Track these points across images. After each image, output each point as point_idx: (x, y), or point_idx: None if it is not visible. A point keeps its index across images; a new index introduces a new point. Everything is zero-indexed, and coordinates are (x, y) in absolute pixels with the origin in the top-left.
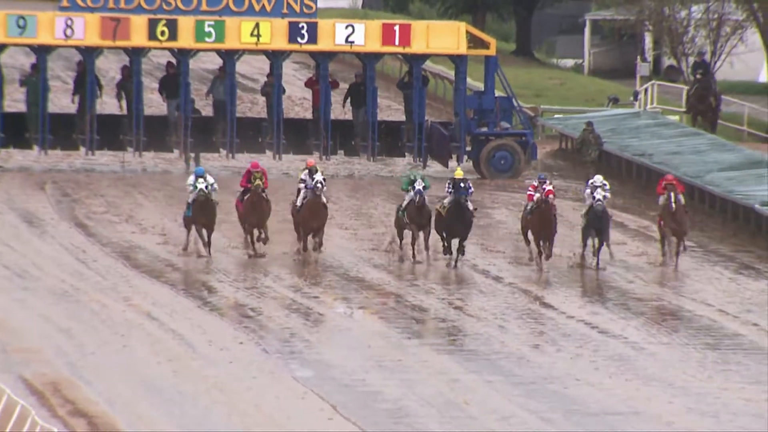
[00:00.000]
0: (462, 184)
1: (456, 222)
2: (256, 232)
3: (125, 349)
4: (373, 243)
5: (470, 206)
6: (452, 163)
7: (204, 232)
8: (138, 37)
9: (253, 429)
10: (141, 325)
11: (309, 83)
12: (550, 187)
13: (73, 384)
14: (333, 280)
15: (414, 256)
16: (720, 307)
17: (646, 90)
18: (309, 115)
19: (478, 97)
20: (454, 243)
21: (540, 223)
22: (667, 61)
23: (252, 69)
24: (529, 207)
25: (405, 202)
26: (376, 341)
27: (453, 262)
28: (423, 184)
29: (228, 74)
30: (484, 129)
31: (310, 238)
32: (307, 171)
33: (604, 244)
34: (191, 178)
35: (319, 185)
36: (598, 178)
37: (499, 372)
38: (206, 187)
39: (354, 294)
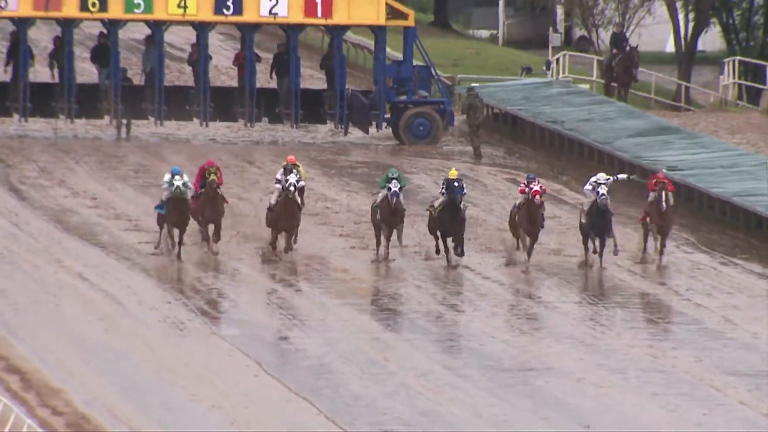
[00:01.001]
0: (456, 184)
1: (449, 221)
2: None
3: (57, 309)
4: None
5: (465, 205)
6: (372, 129)
7: (175, 231)
8: (69, 9)
9: (181, 384)
10: (73, 286)
11: (236, 59)
12: (537, 188)
13: (7, 341)
14: (259, 245)
15: (387, 255)
16: (629, 268)
17: (558, 60)
18: (235, 84)
19: (397, 67)
20: (449, 243)
21: (528, 219)
22: (579, 32)
23: (180, 39)
24: (518, 203)
25: (379, 199)
26: (300, 301)
27: (447, 262)
28: (399, 185)
29: (156, 44)
30: (403, 97)
31: (280, 236)
32: (282, 170)
33: (606, 241)
34: (167, 176)
35: (291, 188)
36: (602, 176)
37: (418, 330)
38: (183, 184)
39: (277, 257)
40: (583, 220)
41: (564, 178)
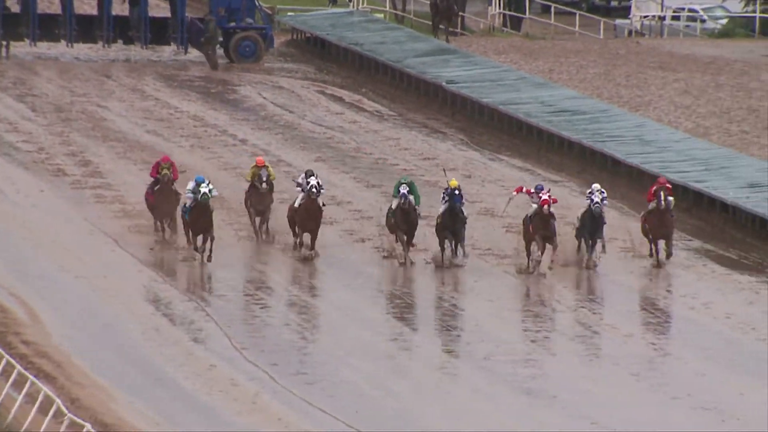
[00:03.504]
0: (457, 192)
1: (450, 226)
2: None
3: None
4: (148, 113)
5: (464, 212)
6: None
7: (199, 237)
8: None
9: (52, 258)
10: None
11: None
12: (546, 196)
13: None
14: (116, 139)
15: (406, 259)
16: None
17: None
18: (95, 12)
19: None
20: (451, 244)
21: (542, 228)
22: None
23: None
24: (529, 214)
25: (394, 206)
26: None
27: (449, 262)
28: (408, 189)
29: None
30: (233, 24)
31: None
32: (303, 175)
33: (597, 242)
34: (191, 184)
35: (314, 190)
36: (596, 186)
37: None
38: (209, 191)
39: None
40: (577, 224)
41: (363, 90)
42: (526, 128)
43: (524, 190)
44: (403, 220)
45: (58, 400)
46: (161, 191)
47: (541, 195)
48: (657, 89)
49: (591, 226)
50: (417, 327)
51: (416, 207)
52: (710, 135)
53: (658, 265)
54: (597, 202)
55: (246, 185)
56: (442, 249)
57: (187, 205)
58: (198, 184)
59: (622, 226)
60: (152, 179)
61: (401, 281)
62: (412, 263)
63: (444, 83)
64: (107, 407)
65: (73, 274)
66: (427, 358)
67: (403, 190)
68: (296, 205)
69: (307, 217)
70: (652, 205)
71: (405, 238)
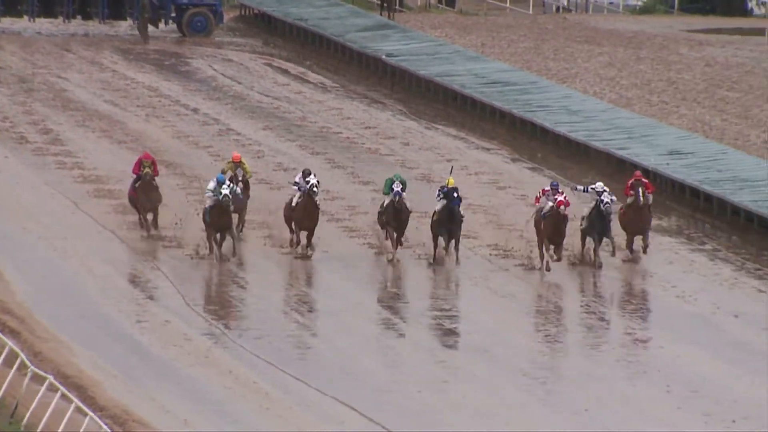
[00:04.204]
0: (455, 195)
1: (447, 224)
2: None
3: None
4: (106, 84)
5: (461, 212)
6: (161, 24)
7: (219, 235)
8: None
9: (17, 219)
10: None
11: None
12: (561, 198)
13: None
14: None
15: (393, 257)
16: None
17: None
18: None
19: None
20: (451, 243)
21: (553, 229)
22: None
23: None
24: (543, 212)
25: (386, 203)
26: (102, 157)
27: (455, 259)
28: (401, 186)
29: None
30: (185, 0)
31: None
32: (300, 174)
33: (603, 241)
34: (211, 184)
35: (314, 189)
36: (600, 185)
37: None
38: (230, 192)
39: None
40: (584, 224)
41: (307, 63)
42: (461, 99)
43: (541, 191)
44: (394, 218)
45: (22, 354)
46: (142, 187)
47: (557, 196)
48: (583, 62)
49: (600, 225)
50: (364, 285)
51: (407, 203)
52: (632, 105)
53: (631, 259)
54: (607, 202)
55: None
56: (435, 245)
57: (207, 205)
58: (219, 185)
59: None
60: (134, 176)
61: (343, 239)
62: (398, 261)
63: (383, 56)
64: (68, 360)
65: (35, 236)
66: (370, 315)
67: (396, 187)
68: (293, 203)
69: (305, 215)
70: (630, 199)
71: (395, 235)
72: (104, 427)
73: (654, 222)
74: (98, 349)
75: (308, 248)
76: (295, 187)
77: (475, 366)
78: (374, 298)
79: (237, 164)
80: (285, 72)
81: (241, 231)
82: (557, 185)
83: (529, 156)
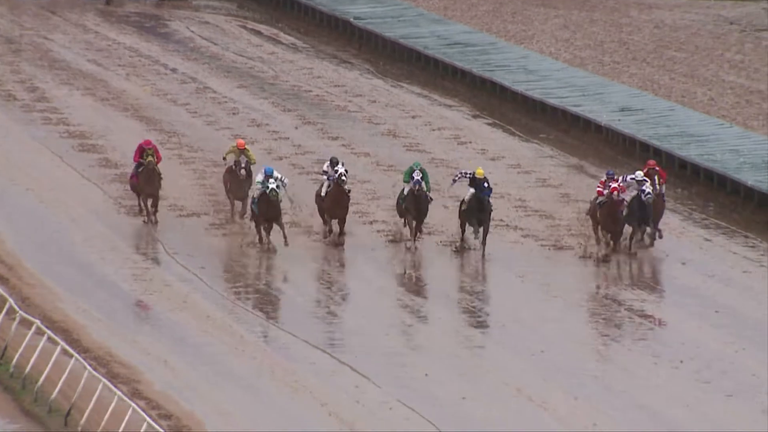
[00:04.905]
0: (486, 185)
1: (477, 214)
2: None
3: None
4: (89, 44)
5: (491, 202)
6: None
7: (267, 225)
8: None
9: (5, 172)
10: None
11: None
12: (615, 185)
13: None
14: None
15: (414, 242)
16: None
17: None
18: None
19: None
20: (480, 231)
21: (609, 217)
22: None
23: None
24: (599, 200)
25: (405, 192)
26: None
27: (481, 248)
28: (421, 175)
29: None
30: None
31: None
32: (328, 163)
33: (647, 229)
34: (260, 176)
35: (343, 177)
36: (639, 174)
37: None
38: (277, 186)
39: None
40: (625, 212)
41: (280, 25)
42: (424, 59)
43: (600, 183)
44: (413, 206)
45: (10, 299)
46: (144, 173)
47: (611, 184)
48: (539, 24)
49: (640, 213)
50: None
51: (428, 193)
52: (586, 65)
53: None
54: (649, 192)
55: (221, 164)
56: (463, 231)
57: (254, 196)
58: (267, 177)
59: (511, 147)
60: (136, 163)
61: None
62: (416, 249)
63: (352, 19)
64: (54, 305)
65: (23, 188)
66: (330, 259)
67: (416, 176)
68: (323, 193)
69: (336, 204)
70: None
71: (414, 223)
72: (89, 368)
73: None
74: (83, 295)
75: (341, 236)
76: (324, 176)
77: (438, 311)
78: (334, 256)
79: (241, 151)
80: (258, 33)
81: (243, 215)
82: (612, 173)
83: (489, 112)
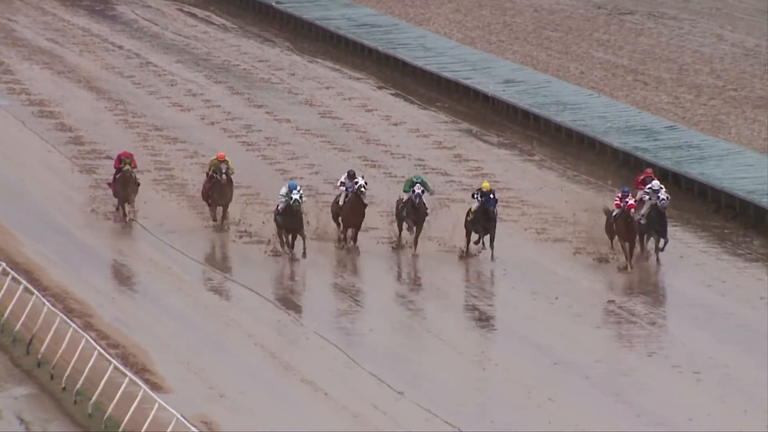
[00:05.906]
0: (492, 196)
1: (483, 223)
2: (128, 206)
3: None
4: (47, 25)
5: (496, 212)
6: None
7: (290, 236)
8: None
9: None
10: None
11: None
12: (632, 201)
13: None
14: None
15: (415, 247)
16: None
17: None
18: None
19: None
20: (486, 239)
21: (625, 228)
22: None
23: None
24: (614, 214)
25: (405, 199)
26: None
27: (491, 254)
28: (422, 189)
29: None
30: None
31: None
32: (346, 175)
33: (662, 240)
34: (284, 189)
35: (363, 189)
36: (656, 183)
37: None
38: (300, 197)
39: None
40: (642, 221)
41: (211, 8)
42: (336, 38)
43: (617, 197)
44: (413, 212)
45: None
46: (121, 179)
47: (627, 200)
48: (435, 8)
49: (659, 222)
50: (273, 205)
51: (427, 196)
52: (475, 44)
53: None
54: (663, 199)
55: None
56: (469, 241)
57: (279, 208)
58: (290, 190)
59: (412, 114)
60: (115, 170)
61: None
62: (416, 255)
63: (274, 3)
64: (18, 250)
65: None
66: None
67: (417, 189)
68: (341, 202)
69: (353, 213)
70: (640, 194)
71: (414, 228)
72: (47, 303)
73: (493, 141)
74: (42, 241)
75: (353, 243)
76: (342, 188)
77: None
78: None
79: (221, 162)
80: (193, 15)
81: (225, 220)
82: (628, 191)
83: (392, 84)
